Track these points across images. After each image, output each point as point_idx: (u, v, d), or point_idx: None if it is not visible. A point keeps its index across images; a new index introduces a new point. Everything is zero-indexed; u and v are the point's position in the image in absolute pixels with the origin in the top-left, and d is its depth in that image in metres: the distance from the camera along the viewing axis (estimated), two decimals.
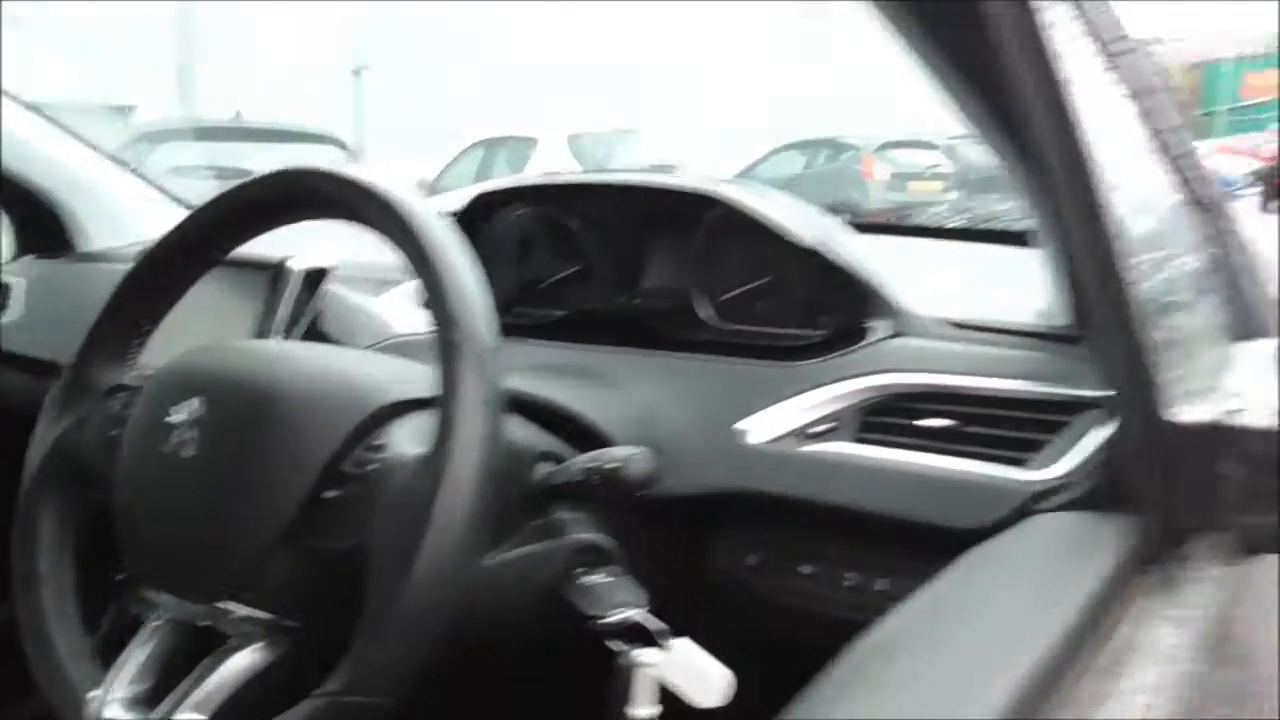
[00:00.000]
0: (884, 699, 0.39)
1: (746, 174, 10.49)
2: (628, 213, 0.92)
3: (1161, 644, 0.44)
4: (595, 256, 0.92)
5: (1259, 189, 18.19)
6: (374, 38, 11.61)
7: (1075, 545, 0.50)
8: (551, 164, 8.20)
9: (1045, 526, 0.53)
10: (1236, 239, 0.72)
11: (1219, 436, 0.52)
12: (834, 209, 0.95)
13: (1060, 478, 0.62)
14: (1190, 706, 0.44)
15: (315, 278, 0.90)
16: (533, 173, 8.23)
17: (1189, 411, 0.52)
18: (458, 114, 11.18)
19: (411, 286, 1.03)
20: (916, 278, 0.82)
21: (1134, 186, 0.54)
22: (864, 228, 0.92)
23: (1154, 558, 0.50)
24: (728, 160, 10.01)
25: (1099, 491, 0.54)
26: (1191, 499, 0.51)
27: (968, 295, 0.86)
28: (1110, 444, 0.54)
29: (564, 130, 8.73)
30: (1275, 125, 18.61)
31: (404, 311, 0.95)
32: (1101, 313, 0.49)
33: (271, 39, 10.39)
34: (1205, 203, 0.66)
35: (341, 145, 6.81)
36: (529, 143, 8.69)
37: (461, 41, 11.84)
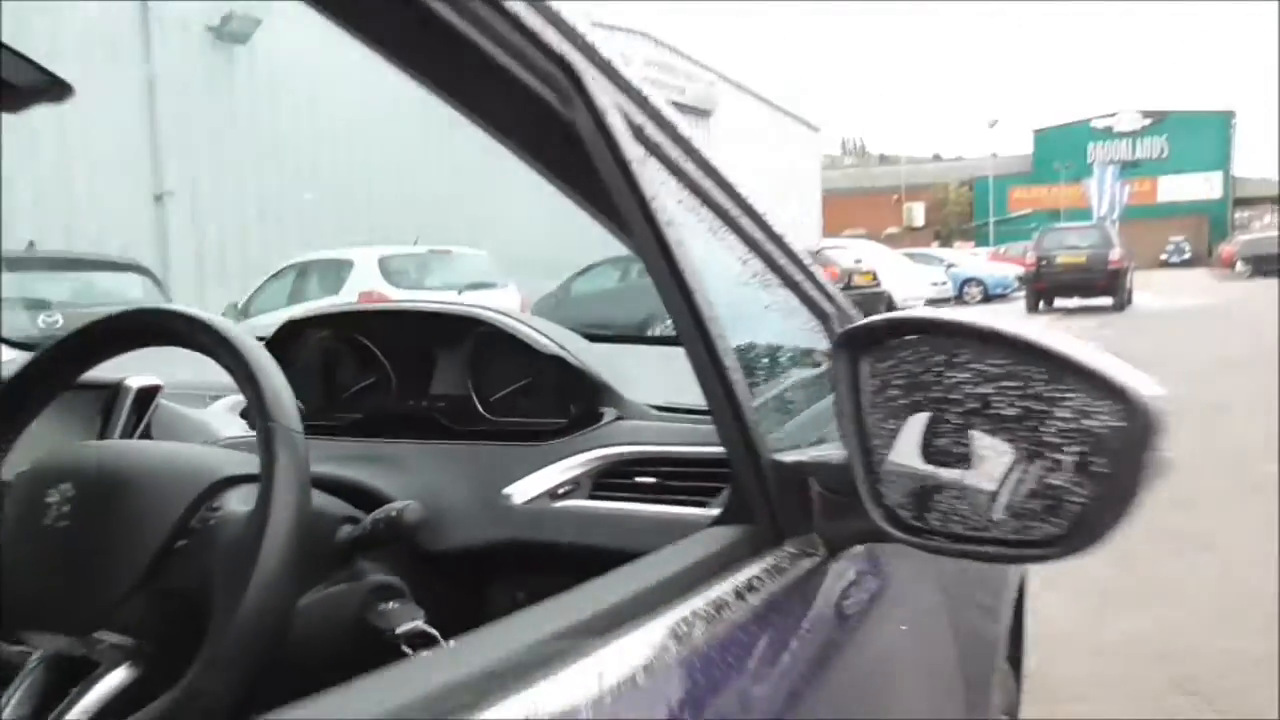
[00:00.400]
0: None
1: (565, 287, 10.91)
2: (414, 332, 1.15)
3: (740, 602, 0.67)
4: (389, 368, 1.14)
5: (1024, 293, 20.18)
6: (175, 163, 11.47)
7: (710, 541, 0.74)
8: (365, 284, 8.31)
9: (699, 535, 0.77)
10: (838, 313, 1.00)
11: (804, 470, 0.78)
12: (649, 319, 1.21)
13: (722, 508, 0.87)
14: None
15: (147, 394, 1.07)
16: (347, 293, 8.31)
17: (784, 455, 0.78)
18: (263, 237, 11.11)
19: (227, 401, 1.22)
20: (633, 375, 1.09)
21: (735, 292, 0.81)
22: (595, 338, 1.18)
23: (764, 552, 0.75)
24: (548, 278, 10.38)
25: (732, 511, 0.78)
26: (787, 513, 0.77)
27: (667, 385, 1.12)
28: (735, 481, 0.78)
29: (377, 252, 8.89)
30: (1036, 236, 20.93)
31: (223, 420, 1.13)
32: (712, 399, 0.74)
33: (68, 165, 10.10)
34: (807, 296, 0.93)
35: (147, 273, 6.72)
36: (345, 265, 8.79)
37: (264, 165, 11.83)
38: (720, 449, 0.76)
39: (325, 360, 1.15)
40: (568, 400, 1.07)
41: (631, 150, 0.69)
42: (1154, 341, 12.00)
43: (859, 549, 0.82)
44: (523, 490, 0.97)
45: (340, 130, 11.05)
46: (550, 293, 10.71)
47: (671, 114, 0.80)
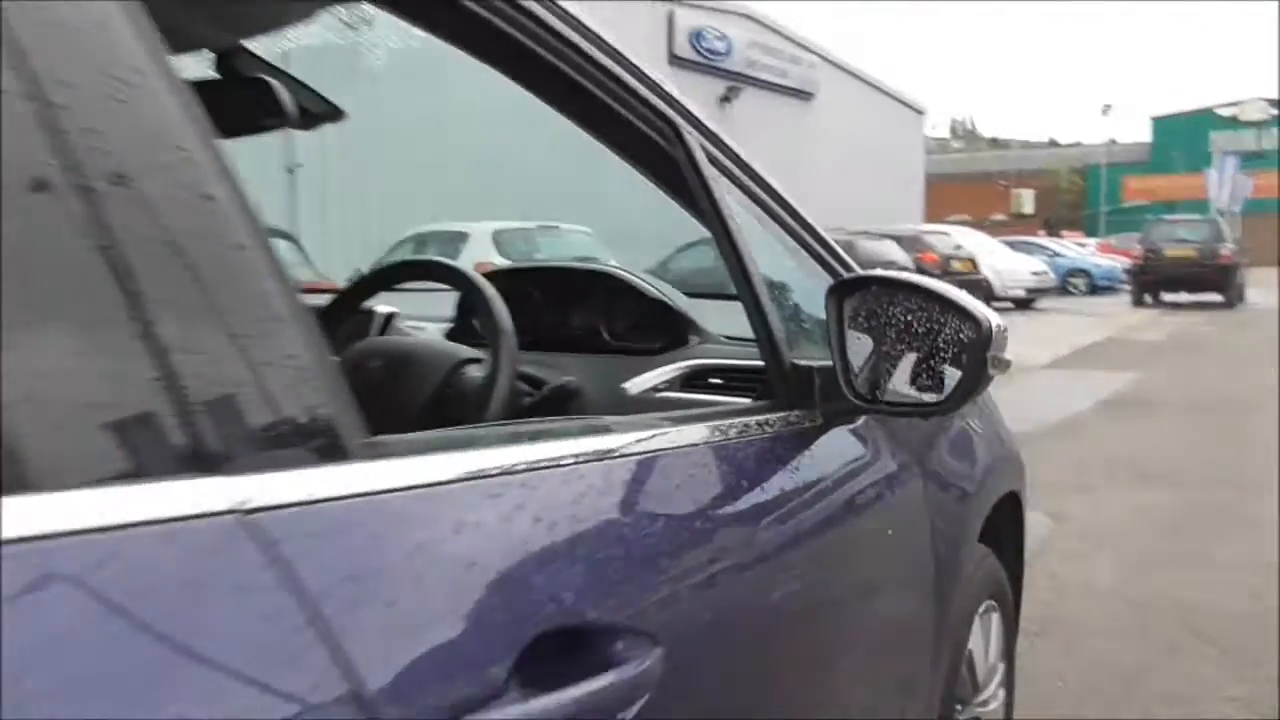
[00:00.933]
0: None
1: (663, 264, 11.46)
2: (562, 282, 1.67)
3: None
4: (548, 306, 1.67)
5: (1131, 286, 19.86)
6: (305, 137, 12.27)
7: (750, 410, 1.22)
8: (479, 255, 8.98)
9: (743, 406, 1.25)
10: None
11: (811, 371, 1.26)
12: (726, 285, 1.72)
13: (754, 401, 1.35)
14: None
15: (390, 317, 1.62)
16: (463, 261, 8.98)
17: (799, 361, 1.26)
18: (383, 208, 11.88)
19: (434, 328, 1.76)
20: (711, 317, 1.60)
21: (775, 262, 1.30)
22: (687, 294, 1.70)
23: (782, 417, 1.23)
24: (641, 254, 10.89)
25: (765, 395, 1.27)
26: (799, 396, 1.25)
27: (731, 324, 1.63)
28: (768, 377, 1.26)
29: (491, 226, 9.56)
30: (1145, 227, 20.58)
31: (435, 337, 1.67)
32: (756, 331, 1.22)
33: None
34: (830, 267, 1.41)
35: (292, 239, 7.49)
36: (461, 237, 9.48)
37: (390, 141, 12.58)
38: (760, 362, 1.25)
39: (509, 298, 1.69)
40: (666, 329, 1.58)
41: (708, 171, 1.19)
42: (1258, 337, 11.88)
43: (849, 425, 1.30)
44: (635, 385, 1.48)
45: (467, 115, 11.71)
46: (651, 267, 11.27)
47: (733, 144, 1.28)
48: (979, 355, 1.07)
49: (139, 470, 0.48)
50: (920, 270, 15.10)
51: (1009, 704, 2.05)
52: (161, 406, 0.49)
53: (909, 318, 1.14)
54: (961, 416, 1.66)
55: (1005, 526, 1.93)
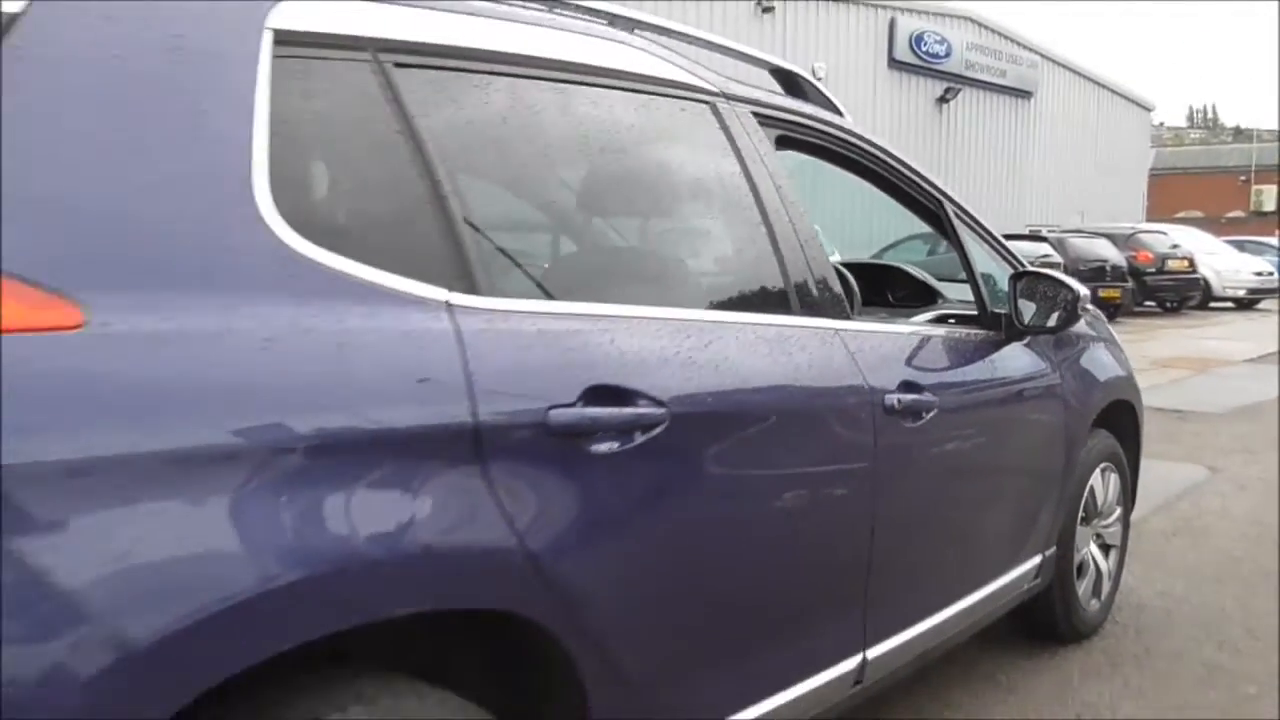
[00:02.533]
0: None
1: (878, 257, 12.68)
2: (869, 271, 3.13)
3: None
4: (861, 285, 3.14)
5: None
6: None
7: (966, 325, 2.64)
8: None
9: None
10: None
11: (1000, 315, 2.66)
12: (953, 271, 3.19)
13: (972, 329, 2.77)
14: None
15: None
16: None
17: (995, 309, 2.66)
18: None
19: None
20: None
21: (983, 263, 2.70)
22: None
23: (985, 333, 2.63)
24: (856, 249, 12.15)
25: (977, 324, 2.67)
26: (994, 325, 2.64)
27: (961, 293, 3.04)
28: (979, 318, 2.66)
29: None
30: None
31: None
32: (975, 295, 2.63)
33: None
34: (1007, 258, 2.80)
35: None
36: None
37: None
38: (975, 311, 2.68)
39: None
40: (925, 296, 3.02)
41: (956, 219, 2.63)
42: None
43: (1019, 342, 2.68)
44: (915, 320, 2.92)
45: (836, 185, 13.48)
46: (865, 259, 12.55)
47: (968, 206, 2.71)
48: (1073, 306, 2.47)
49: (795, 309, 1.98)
50: (1132, 269, 15.52)
51: (1124, 536, 3.35)
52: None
53: (1046, 288, 2.55)
54: (1088, 348, 3.00)
55: (1122, 421, 3.24)
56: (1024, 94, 22.45)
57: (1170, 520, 4.55)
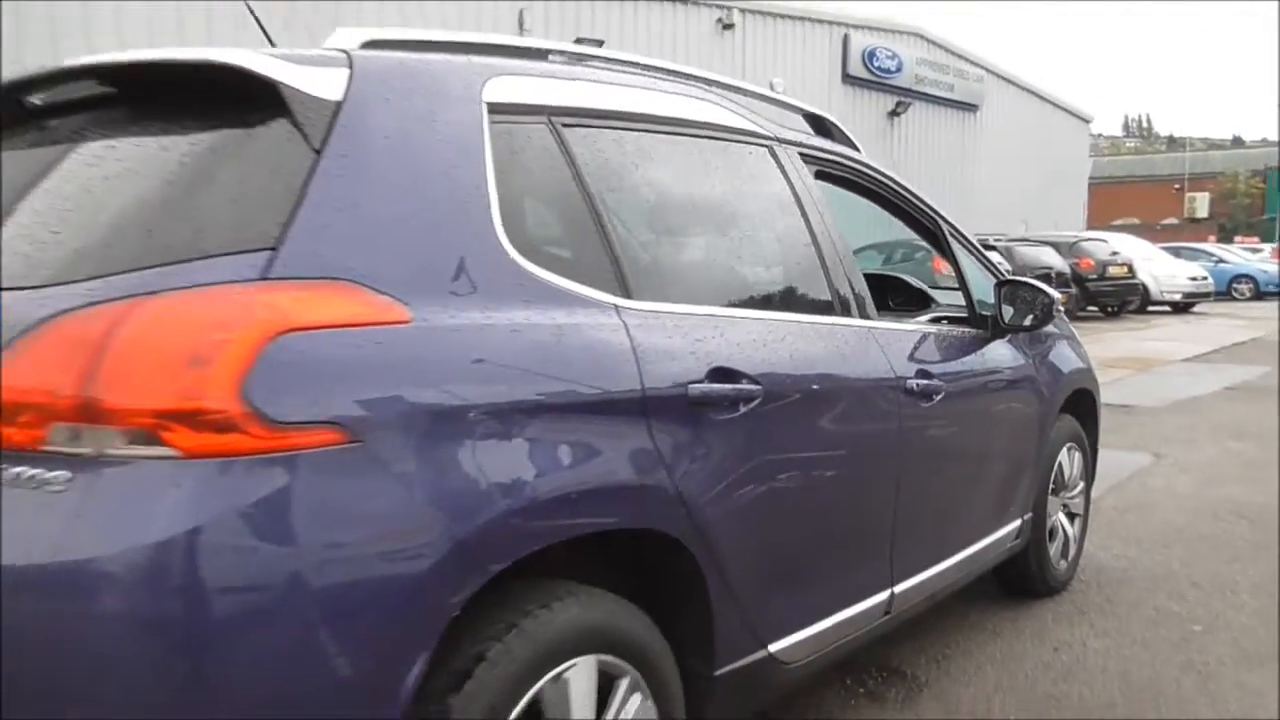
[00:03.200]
0: None
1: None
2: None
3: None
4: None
5: None
6: None
7: (957, 324, 3.14)
8: None
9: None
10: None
11: (988, 313, 3.16)
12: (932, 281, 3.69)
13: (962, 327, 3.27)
14: None
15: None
16: None
17: (981, 311, 3.17)
18: None
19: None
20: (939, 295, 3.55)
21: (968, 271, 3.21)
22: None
23: (973, 331, 3.14)
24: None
25: (966, 322, 3.17)
26: (981, 324, 3.15)
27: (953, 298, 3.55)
28: (969, 317, 3.17)
29: None
30: None
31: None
32: (966, 299, 3.13)
33: None
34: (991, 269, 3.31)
35: None
36: None
37: None
38: (964, 314, 3.18)
39: None
40: (919, 301, 3.51)
41: (951, 236, 3.13)
42: None
43: (1002, 339, 3.18)
44: (913, 323, 3.41)
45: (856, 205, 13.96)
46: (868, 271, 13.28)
47: (962, 227, 3.22)
48: (1048, 308, 2.99)
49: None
50: (1075, 275, 16.27)
51: (1086, 506, 3.89)
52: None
53: (1024, 294, 3.06)
54: (1056, 344, 3.52)
55: (1083, 407, 3.77)
56: (970, 107, 23.30)
57: (1122, 499, 5.12)
